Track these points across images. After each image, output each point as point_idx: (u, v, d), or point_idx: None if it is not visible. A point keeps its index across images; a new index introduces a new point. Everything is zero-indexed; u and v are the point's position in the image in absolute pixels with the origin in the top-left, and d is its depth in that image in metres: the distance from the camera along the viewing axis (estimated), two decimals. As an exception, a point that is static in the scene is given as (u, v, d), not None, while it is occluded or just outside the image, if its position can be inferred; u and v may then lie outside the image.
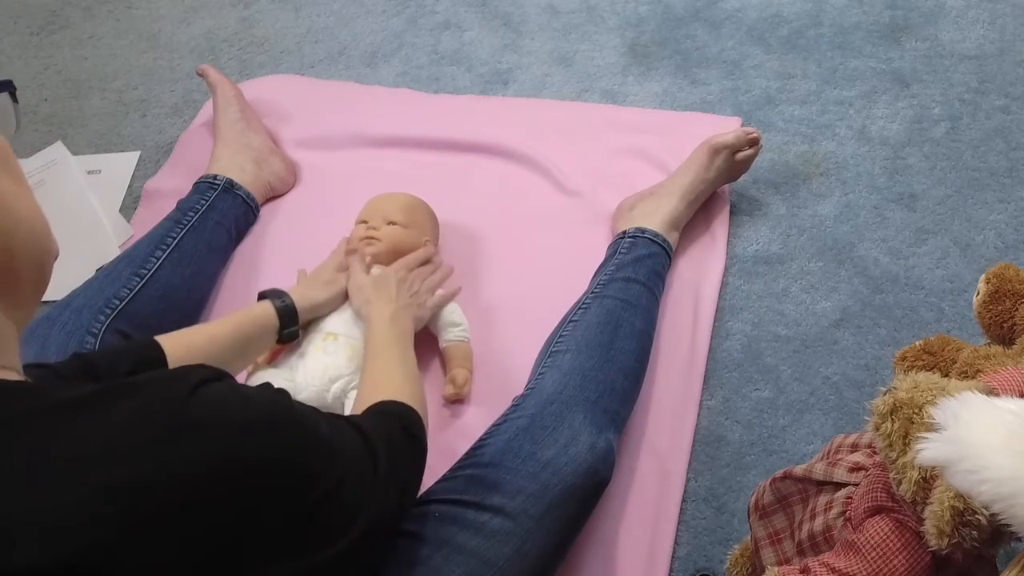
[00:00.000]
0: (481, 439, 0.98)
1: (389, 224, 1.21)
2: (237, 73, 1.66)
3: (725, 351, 1.22)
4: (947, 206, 1.36)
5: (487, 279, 1.30)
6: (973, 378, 0.71)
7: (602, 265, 1.23)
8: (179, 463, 0.51)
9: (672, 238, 1.26)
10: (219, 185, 1.34)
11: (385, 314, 1.06)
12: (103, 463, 0.50)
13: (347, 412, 1.07)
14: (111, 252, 1.35)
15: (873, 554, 0.69)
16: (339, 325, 1.13)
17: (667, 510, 1.06)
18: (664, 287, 1.24)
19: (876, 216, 1.36)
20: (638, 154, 1.44)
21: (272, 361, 1.14)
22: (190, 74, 1.64)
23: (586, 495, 0.94)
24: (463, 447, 0.99)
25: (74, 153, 1.54)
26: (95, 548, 0.48)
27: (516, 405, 1.02)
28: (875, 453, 0.75)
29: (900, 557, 0.68)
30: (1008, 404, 0.60)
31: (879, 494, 0.71)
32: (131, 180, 1.50)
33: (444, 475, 0.94)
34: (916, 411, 0.65)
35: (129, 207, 1.46)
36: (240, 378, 1.10)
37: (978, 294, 0.83)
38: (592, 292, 1.17)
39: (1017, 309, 0.79)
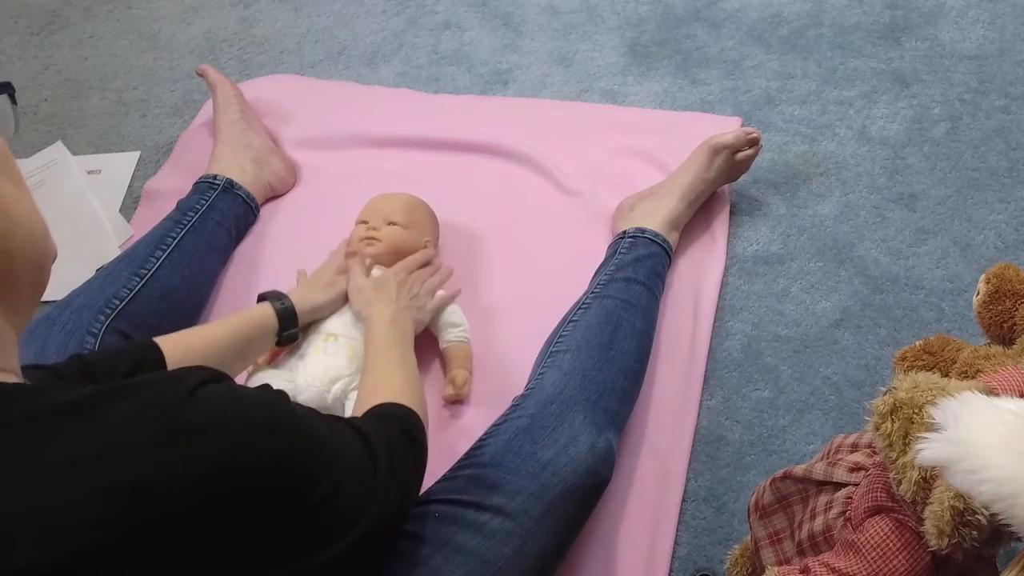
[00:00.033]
0: (481, 439, 0.98)
1: (389, 224, 1.21)
2: (237, 73, 1.66)
3: (725, 351, 1.22)
4: (947, 206, 1.36)
5: (487, 279, 1.30)
6: (973, 378, 0.71)
7: (602, 265, 1.23)
8: (178, 465, 0.51)
9: (672, 238, 1.26)
10: (219, 185, 1.34)
11: (385, 316, 1.06)
12: (102, 465, 0.50)
13: (347, 413, 1.07)
14: (111, 252, 1.35)
15: (873, 554, 0.69)
16: (339, 326, 1.13)
17: (667, 510, 1.06)
18: (664, 287, 1.24)
19: (876, 216, 1.36)
20: (638, 154, 1.44)
21: (272, 362, 1.14)
22: (190, 74, 1.64)
23: (586, 495, 0.94)
24: (463, 447, 0.99)
25: (74, 153, 1.54)
26: (95, 550, 0.48)
27: (516, 405, 1.02)
28: (875, 453, 0.75)
29: (900, 557, 0.68)
30: (1008, 404, 0.60)
31: (879, 494, 0.71)
32: (131, 180, 1.50)
33: (444, 475, 0.94)
34: (916, 411, 0.65)
35: (129, 207, 1.46)
36: (240, 379, 1.10)
37: (978, 294, 0.83)
38: (592, 292, 1.17)
39: (1017, 309, 0.79)
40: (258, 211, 1.40)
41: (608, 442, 0.98)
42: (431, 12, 1.75)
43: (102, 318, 1.08)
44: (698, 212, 1.33)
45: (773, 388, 1.18)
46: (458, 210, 1.35)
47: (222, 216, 1.31)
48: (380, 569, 0.81)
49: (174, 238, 1.23)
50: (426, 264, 1.20)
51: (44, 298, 0.94)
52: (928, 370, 0.78)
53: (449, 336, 1.18)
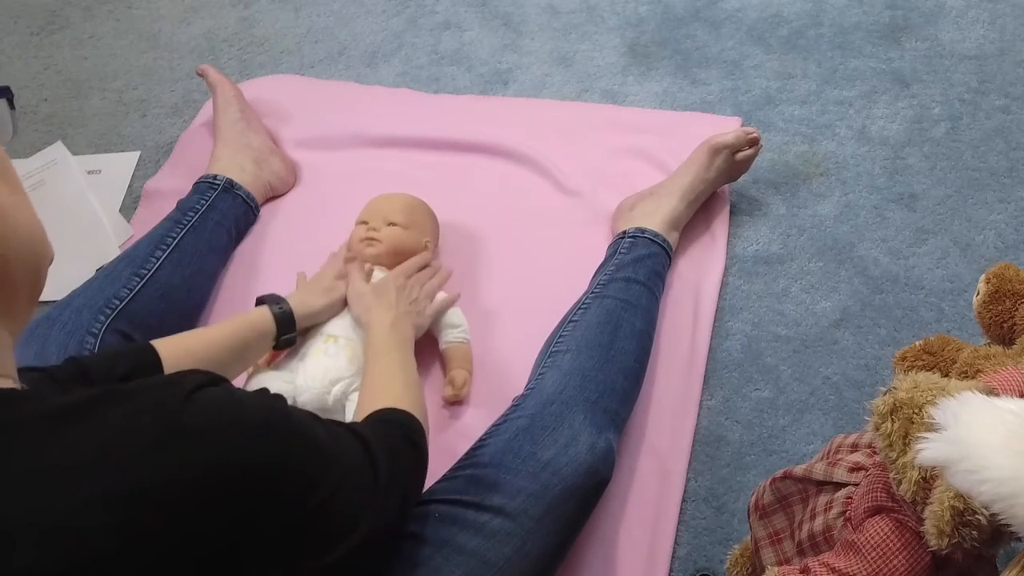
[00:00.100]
0: (481, 439, 0.98)
1: (389, 225, 1.21)
2: (237, 73, 1.66)
3: (725, 351, 1.22)
4: (947, 206, 1.36)
5: (487, 279, 1.30)
6: (973, 378, 0.71)
7: (602, 265, 1.23)
8: (175, 467, 0.51)
9: (672, 238, 1.26)
10: (219, 185, 1.34)
11: (386, 321, 1.06)
12: (99, 469, 0.50)
13: (348, 415, 1.07)
14: (111, 252, 1.35)
15: (873, 554, 0.69)
16: (340, 328, 1.13)
17: (667, 510, 1.06)
18: (664, 287, 1.24)
19: (876, 216, 1.36)
20: (638, 154, 1.44)
21: (272, 363, 1.14)
22: (190, 74, 1.64)
23: (586, 495, 0.94)
24: (463, 448, 0.99)
25: (74, 153, 1.54)
26: (94, 553, 0.48)
27: (516, 405, 1.02)
28: (875, 453, 0.75)
29: (900, 557, 0.68)
30: (1008, 404, 0.60)
31: (879, 494, 0.71)
32: (131, 180, 1.50)
33: (444, 475, 0.94)
34: (916, 411, 0.65)
35: (129, 207, 1.46)
36: (240, 380, 1.10)
37: (978, 294, 0.83)
38: (592, 292, 1.17)
39: (1017, 309, 0.79)
40: (258, 211, 1.40)
41: (608, 442, 0.98)
42: (431, 12, 1.75)
43: (102, 318, 1.08)
44: (698, 212, 1.33)
45: (773, 388, 1.18)
46: (458, 210, 1.35)
47: (222, 216, 1.31)
48: (380, 570, 0.81)
49: (174, 238, 1.23)
50: (424, 267, 1.20)
51: (44, 298, 0.94)
52: (928, 370, 0.78)
53: (449, 337, 1.18)
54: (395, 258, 1.20)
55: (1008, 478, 0.55)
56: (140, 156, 1.54)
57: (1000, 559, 0.72)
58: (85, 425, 0.51)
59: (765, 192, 1.40)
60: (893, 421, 0.66)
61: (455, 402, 1.15)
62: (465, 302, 1.23)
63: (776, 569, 0.75)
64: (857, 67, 1.57)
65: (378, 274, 1.18)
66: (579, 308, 1.15)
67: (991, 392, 0.64)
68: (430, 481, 0.91)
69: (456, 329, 1.19)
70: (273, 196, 1.43)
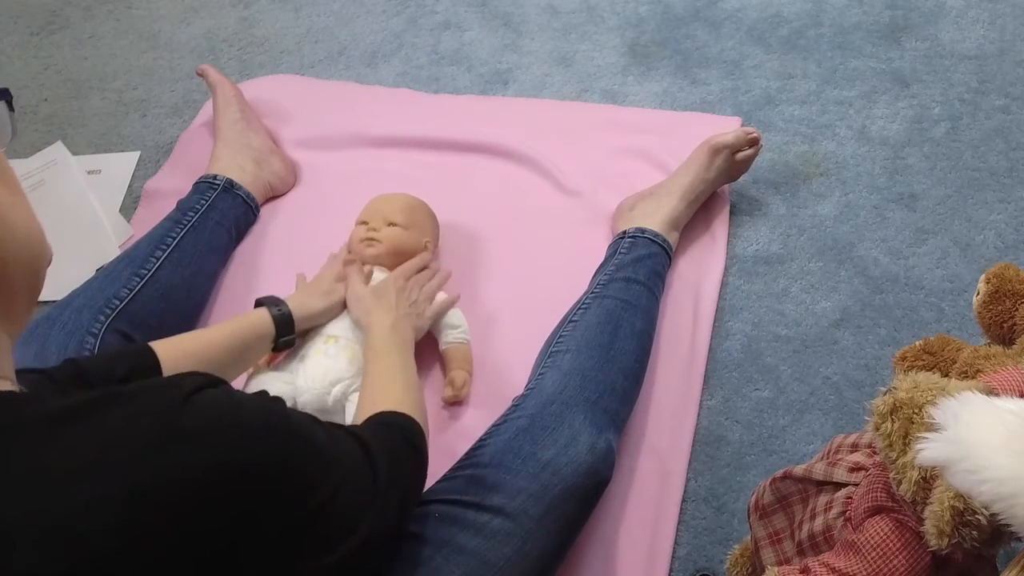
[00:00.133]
0: (481, 439, 0.98)
1: (389, 225, 1.21)
2: (237, 73, 1.66)
3: (725, 351, 1.22)
4: (947, 206, 1.36)
5: (487, 279, 1.30)
6: (973, 378, 0.71)
7: (602, 265, 1.23)
8: (174, 468, 0.51)
9: (672, 238, 1.26)
10: (219, 185, 1.34)
11: (386, 323, 1.06)
12: (99, 471, 0.50)
13: (348, 415, 1.07)
14: (111, 252, 1.35)
15: (873, 554, 0.69)
16: (340, 328, 1.13)
17: (667, 510, 1.06)
18: (664, 287, 1.24)
19: (876, 216, 1.36)
20: (638, 154, 1.44)
21: (272, 364, 1.14)
22: (190, 74, 1.64)
23: (586, 495, 0.94)
24: (463, 448, 0.99)
25: (74, 153, 1.54)
26: (94, 555, 0.48)
27: (516, 405, 1.02)
28: (875, 453, 0.75)
29: (900, 557, 0.68)
30: (1008, 404, 0.60)
31: (879, 494, 0.71)
32: (131, 180, 1.50)
33: (444, 475, 0.94)
34: (916, 411, 0.65)
35: (129, 207, 1.46)
36: (240, 380, 1.10)
37: (978, 294, 0.83)
38: (592, 292, 1.17)
39: (1017, 309, 0.79)
40: (258, 211, 1.40)
41: (608, 442, 0.98)
42: (431, 12, 1.75)
43: (102, 318, 1.08)
44: (698, 212, 1.33)
45: (773, 388, 1.18)
46: (458, 210, 1.35)
47: (222, 216, 1.31)
48: (380, 570, 0.81)
49: (174, 238, 1.23)
50: (424, 268, 1.20)
51: (44, 298, 0.94)
52: (928, 370, 0.78)
53: (449, 337, 1.18)
54: (395, 258, 1.20)
55: (1008, 478, 0.55)
56: (140, 156, 1.54)
57: (1000, 559, 0.72)
58: (84, 427, 0.51)
59: (765, 192, 1.40)
60: (893, 421, 0.66)
61: (455, 403, 1.15)
62: (465, 302, 1.23)
63: (776, 569, 0.75)
64: (857, 67, 1.57)
65: (378, 275, 1.18)
66: (579, 308, 1.15)
67: (991, 392, 0.64)
68: (430, 481, 0.91)
69: (456, 330, 1.19)
70: (273, 196, 1.43)
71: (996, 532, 0.60)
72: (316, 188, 1.45)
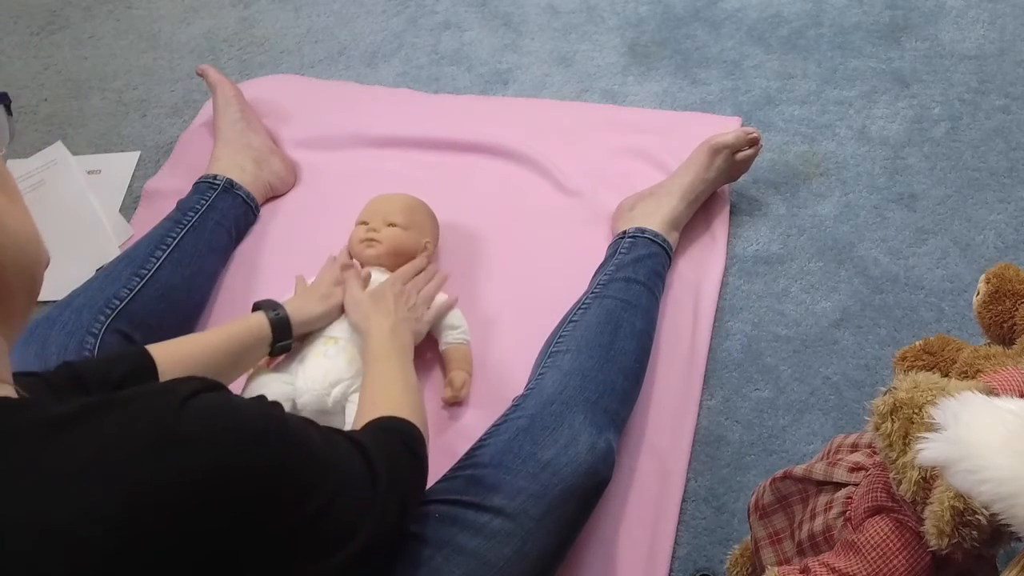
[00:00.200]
0: (481, 439, 0.98)
1: (389, 226, 1.21)
2: (237, 73, 1.66)
3: (725, 351, 1.22)
4: (947, 206, 1.36)
5: (487, 280, 1.30)
6: (973, 378, 0.71)
7: (602, 265, 1.23)
8: (172, 472, 0.51)
9: (672, 238, 1.26)
10: (219, 185, 1.34)
11: (384, 327, 1.06)
12: (96, 475, 0.50)
13: (348, 416, 1.06)
14: (111, 252, 1.35)
15: (873, 554, 0.69)
16: (340, 330, 1.13)
17: (667, 510, 1.06)
18: (664, 287, 1.24)
19: (876, 216, 1.36)
20: (638, 154, 1.44)
21: (272, 365, 1.14)
22: (190, 74, 1.64)
23: (586, 495, 0.94)
24: (463, 448, 0.99)
25: (74, 153, 1.54)
26: (94, 558, 0.48)
27: (516, 405, 1.01)
28: (875, 453, 0.75)
29: (900, 557, 0.68)
30: (1008, 404, 0.60)
31: (879, 494, 0.71)
32: (131, 180, 1.50)
33: (444, 475, 0.94)
34: (916, 411, 0.65)
35: (129, 207, 1.46)
36: (240, 382, 1.10)
37: (978, 294, 0.83)
38: (592, 292, 1.17)
39: (1017, 309, 0.79)
40: (258, 211, 1.40)
41: (608, 442, 0.98)
42: (431, 12, 1.75)
43: (102, 318, 1.08)
44: (698, 212, 1.33)
45: (773, 388, 1.18)
46: (458, 210, 1.35)
47: (222, 216, 1.31)
48: (380, 571, 0.81)
49: (174, 238, 1.23)
50: (421, 271, 1.19)
51: (44, 298, 0.94)
52: (928, 370, 0.78)
53: (448, 338, 1.18)
54: (395, 259, 1.20)
55: (1008, 478, 0.55)
56: (140, 156, 1.54)
57: (1000, 559, 0.72)
58: (82, 432, 0.51)
59: (765, 192, 1.40)
60: (893, 421, 0.66)
61: (455, 403, 1.15)
62: (465, 303, 1.23)
63: (776, 569, 0.75)
64: (857, 67, 1.57)
65: (377, 275, 1.18)
66: (579, 308, 1.15)
67: (991, 392, 0.64)
68: (430, 481, 0.91)
69: (456, 330, 1.19)
70: (273, 196, 1.43)
71: (996, 532, 0.60)
72: (316, 188, 1.45)
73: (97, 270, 1.25)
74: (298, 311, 1.10)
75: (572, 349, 1.07)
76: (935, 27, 1.62)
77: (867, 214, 1.36)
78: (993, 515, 0.57)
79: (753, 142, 1.32)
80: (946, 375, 0.77)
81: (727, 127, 1.36)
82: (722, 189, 1.37)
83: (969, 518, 0.59)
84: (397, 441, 0.81)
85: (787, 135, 1.47)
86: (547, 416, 0.97)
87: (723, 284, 1.29)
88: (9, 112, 1.52)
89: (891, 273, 1.29)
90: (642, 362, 1.12)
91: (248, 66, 1.68)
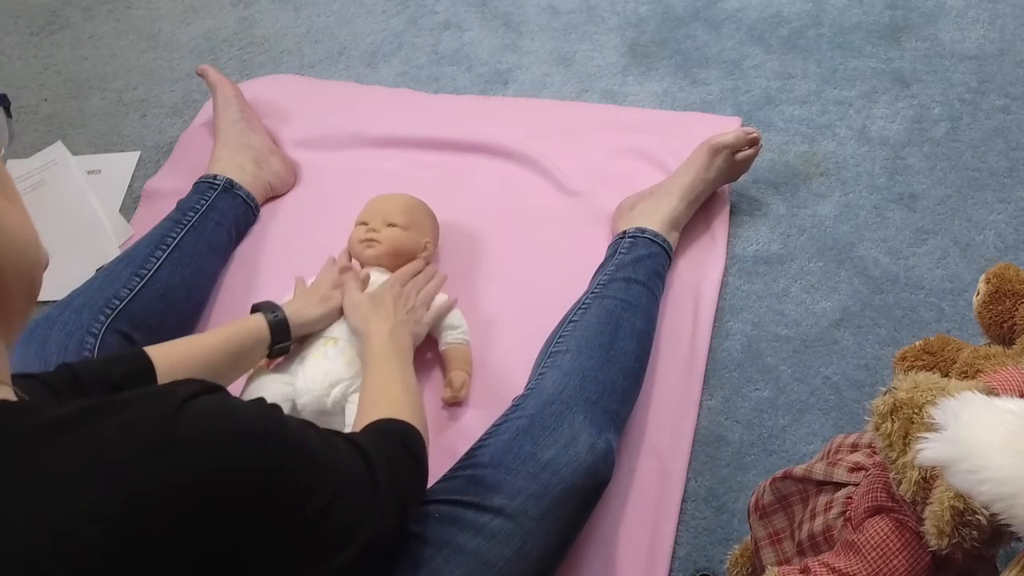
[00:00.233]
0: (481, 439, 0.98)
1: (389, 226, 1.21)
2: (237, 73, 1.66)
3: (725, 351, 1.22)
4: (947, 206, 1.36)
5: (487, 280, 1.30)
6: (973, 378, 0.71)
7: (602, 265, 1.23)
8: (171, 474, 0.51)
9: (672, 238, 1.26)
10: (219, 185, 1.34)
11: (384, 330, 1.05)
12: (96, 477, 0.50)
13: (348, 416, 1.06)
14: (111, 252, 1.35)
15: (873, 554, 0.69)
16: (340, 330, 1.13)
17: (667, 510, 1.06)
18: (664, 287, 1.24)
19: (876, 216, 1.36)
20: (638, 154, 1.44)
21: (272, 366, 1.14)
22: (190, 74, 1.64)
23: (586, 495, 0.94)
24: (463, 448, 0.99)
25: (74, 153, 1.54)
26: (94, 560, 0.48)
27: (516, 405, 1.01)
28: (875, 453, 0.75)
29: (900, 557, 0.68)
30: (1008, 404, 0.60)
31: (879, 494, 0.71)
32: (131, 180, 1.50)
33: (444, 475, 0.94)
34: (916, 411, 0.65)
35: (129, 207, 1.46)
36: (240, 383, 1.10)
37: (978, 294, 0.83)
38: (592, 292, 1.17)
39: (1017, 309, 0.79)
40: (258, 211, 1.40)
41: (608, 442, 0.98)
42: (431, 12, 1.75)
43: (102, 318, 1.08)
44: (698, 212, 1.33)
45: (773, 388, 1.18)
46: (458, 210, 1.35)
47: (222, 216, 1.31)
48: (380, 572, 0.81)
49: (174, 238, 1.23)
50: (419, 272, 1.19)
51: (44, 298, 0.93)
52: (928, 370, 0.78)
53: (448, 338, 1.18)
54: (395, 259, 1.20)
55: (1008, 478, 0.55)
56: (140, 156, 1.54)
57: (1000, 559, 0.72)
58: (81, 434, 0.51)
59: (765, 192, 1.40)
60: (893, 421, 0.66)
61: (454, 403, 1.15)
62: (464, 303, 1.23)
63: (776, 569, 0.75)
64: (857, 67, 1.57)
65: (377, 275, 1.18)
66: (579, 308, 1.15)
67: (991, 392, 0.64)
68: (430, 481, 0.91)
69: (456, 330, 1.19)
70: (273, 196, 1.43)
71: (996, 532, 0.60)
72: (316, 188, 1.45)
73: (97, 270, 1.25)
74: (297, 313, 1.10)
75: (572, 349, 1.07)
76: (935, 27, 1.62)
77: (867, 214, 1.36)
78: (993, 515, 0.57)
79: (753, 142, 1.32)
80: (946, 375, 0.77)
81: (727, 127, 1.36)
82: (722, 189, 1.37)
83: (969, 518, 0.59)
84: (397, 443, 0.81)
85: (787, 135, 1.47)
86: (547, 416, 0.97)
87: (723, 284, 1.29)
88: (8, 114, 1.52)
89: (891, 273, 1.29)
90: (642, 362, 1.12)
91: (248, 66, 1.68)
